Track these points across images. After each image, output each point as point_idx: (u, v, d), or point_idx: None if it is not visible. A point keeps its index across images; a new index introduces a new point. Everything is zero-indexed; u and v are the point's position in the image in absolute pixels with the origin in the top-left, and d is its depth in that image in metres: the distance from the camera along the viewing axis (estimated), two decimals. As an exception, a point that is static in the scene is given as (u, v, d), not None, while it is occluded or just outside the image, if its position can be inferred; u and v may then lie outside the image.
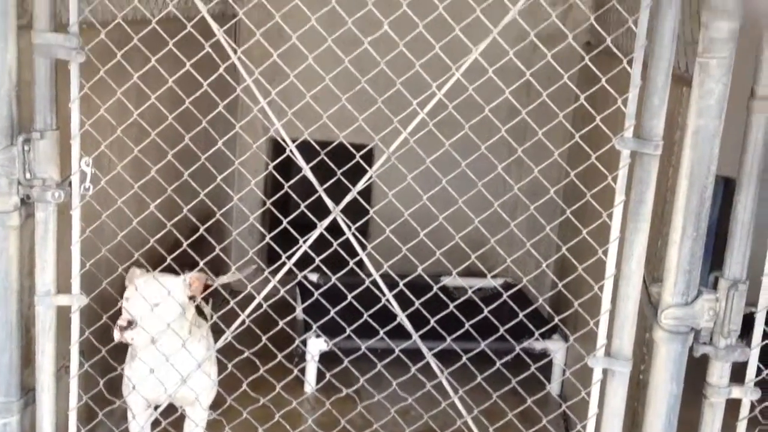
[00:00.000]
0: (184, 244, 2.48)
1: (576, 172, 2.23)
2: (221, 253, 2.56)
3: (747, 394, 2.20)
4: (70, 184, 2.28)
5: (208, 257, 2.49)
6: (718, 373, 2.18)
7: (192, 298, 2.72)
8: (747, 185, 2.09)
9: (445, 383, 2.41)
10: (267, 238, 2.41)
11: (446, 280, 3.30)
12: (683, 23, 2.07)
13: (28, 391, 2.41)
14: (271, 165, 2.45)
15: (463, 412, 2.41)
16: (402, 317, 2.50)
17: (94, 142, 2.35)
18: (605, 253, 2.16)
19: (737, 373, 2.20)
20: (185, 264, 2.60)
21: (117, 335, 2.55)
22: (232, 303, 2.93)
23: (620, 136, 2.03)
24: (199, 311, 2.93)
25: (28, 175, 2.25)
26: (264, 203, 2.59)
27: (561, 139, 2.66)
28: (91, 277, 2.54)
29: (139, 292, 2.58)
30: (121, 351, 2.79)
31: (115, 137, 2.43)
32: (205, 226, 2.45)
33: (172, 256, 2.54)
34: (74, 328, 2.37)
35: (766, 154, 2.07)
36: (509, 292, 2.47)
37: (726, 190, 2.34)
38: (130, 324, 2.51)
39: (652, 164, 2.05)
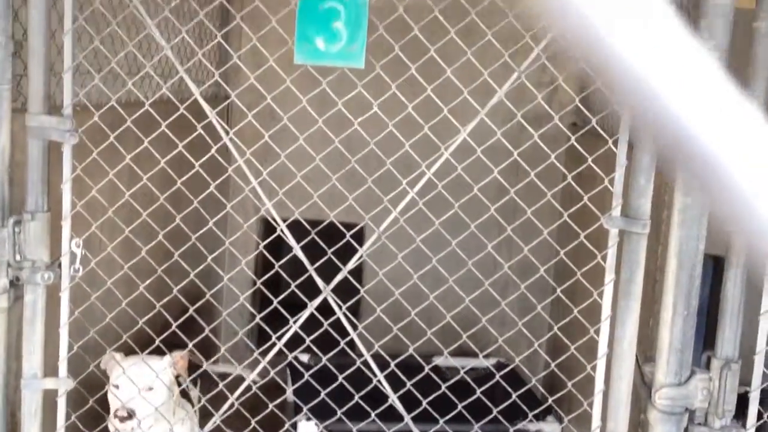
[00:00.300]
0: (173, 326, 2.45)
1: (566, 251, 2.24)
2: (211, 335, 2.53)
3: (745, 475, 2.16)
4: (59, 265, 2.27)
5: (198, 338, 2.47)
6: (714, 453, 2.15)
7: (178, 377, 2.68)
8: (736, 264, 2.10)
9: (438, 468, 2.36)
10: (257, 319, 2.39)
11: (438, 360, 3.27)
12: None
13: (11, 478, 2.35)
14: (262, 245, 2.46)
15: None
16: (393, 399, 2.47)
17: (85, 223, 2.35)
18: (597, 332, 2.15)
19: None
20: (174, 345, 2.57)
21: (117, 425, 2.49)
22: (221, 385, 2.88)
23: (608, 215, 2.05)
24: (184, 392, 2.88)
25: (18, 257, 2.24)
26: (254, 283, 2.58)
27: (550, 217, 2.68)
28: (78, 360, 2.50)
29: (129, 377, 2.54)
30: (106, 435, 2.73)
31: (106, 218, 2.43)
32: (194, 307, 2.44)
33: (161, 337, 2.51)
34: (60, 412, 2.32)
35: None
36: (502, 373, 2.45)
37: (716, 268, 2.35)
38: (130, 414, 2.47)
39: (641, 243, 2.06)
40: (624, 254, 2.07)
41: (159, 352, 2.59)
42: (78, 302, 2.38)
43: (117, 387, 2.54)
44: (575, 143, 2.14)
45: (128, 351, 2.85)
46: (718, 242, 2.15)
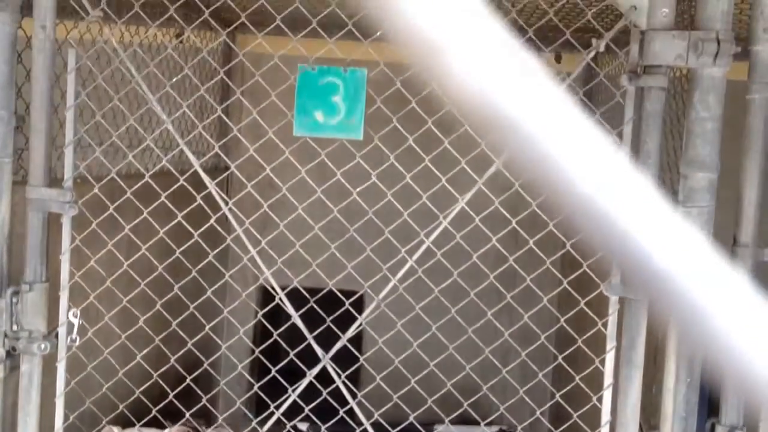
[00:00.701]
0: (170, 395, 2.42)
1: (566, 318, 2.23)
2: (208, 404, 2.50)
3: None
4: (56, 335, 2.25)
5: (196, 407, 2.44)
6: None
7: None
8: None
9: None
10: (255, 387, 2.37)
11: (439, 429, 3.22)
12: (664, 171, 2.13)
13: None
14: (260, 313, 2.44)
15: None
16: (395, 469, 2.43)
17: (83, 293, 2.35)
18: (599, 400, 2.12)
19: None
20: (172, 413, 2.53)
21: None
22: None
23: (608, 283, 2.04)
24: None
25: (15, 327, 2.22)
26: (253, 351, 2.56)
27: (550, 284, 2.67)
28: (74, 430, 2.46)
29: None
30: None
31: (104, 288, 2.43)
32: (192, 376, 2.41)
33: (158, 407, 2.48)
34: (55, 484, 2.28)
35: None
36: (504, 441, 2.41)
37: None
38: None
39: (641, 310, 2.04)
40: (625, 321, 2.06)
41: (156, 421, 2.55)
42: (74, 372, 2.36)
43: None
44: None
45: (125, 421, 2.81)
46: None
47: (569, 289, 2.20)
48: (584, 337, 2.23)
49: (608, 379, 2.10)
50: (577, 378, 2.22)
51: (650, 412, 2.22)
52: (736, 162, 1.93)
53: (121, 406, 2.55)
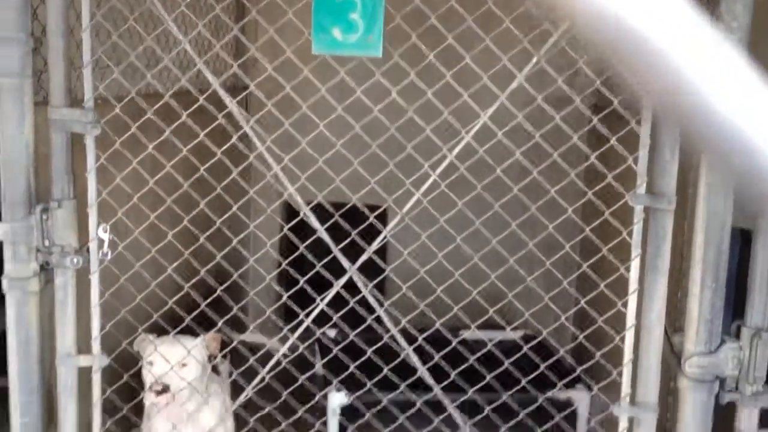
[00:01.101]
0: (202, 305, 2.49)
1: (591, 228, 2.23)
2: (239, 313, 2.56)
3: (777, 440, 2.17)
4: (88, 250, 2.31)
5: (226, 317, 2.50)
6: (747, 419, 2.15)
7: (210, 357, 2.73)
8: (764, 236, 2.07)
9: (468, 434, 2.39)
10: (285, 297, 2.41)
11: (465, 334, 3.28)
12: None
13: (52, 450, 2.43)
14: (286, 228, 2.47)
15: (488, 462, 2.39)
16: (422, 370, 2.49)
17: (111, 210, 2.38)
18: (624, 305, 2.14)
19: (766, 417, 2.17)
20: (204, 324, 2.61)
21: (152, 399, 2.55)
22: (251, 360, 2.93)
23: (633, 193, 2.02)
24: (214, 368, 2.93)
25: (46, 243, 2.28)
26: (280, 264, 2.60)
27: (574, 195, 2.65)
28: (111, 338, 2.55)
29: (163, 355, 2.59)
30: (141, 409, 2.79)
31: (131, 205, 2.46)
32: (223, 287, 2.46)
33: (191, 316, 2.55)
34: (95, 387, 2.38)
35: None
36: (529, 345, 2.46)
37: (744, 241, 2.32)
38: (165, 388, 2.53)
39: (667, 219, 2.04)
40: (650, 230, 2.05)
41: (189, 331, 2.63)
42: (108, 284, 2.42)
43: (151, 363, 2.59)
44: (598, 124, 2.10)
45: (159, 330, 2.90)
46: (746, 216, 2.12)
47: (593, 199, 2.19)
48: (609, 245, 2.23)
49: (633, 285, 2.11)
50: (602, 285, 2.23)
51: (675, 316, 2.24)
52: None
53: (155, 315, 2.63)
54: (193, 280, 2.55)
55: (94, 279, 2.32)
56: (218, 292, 2.45)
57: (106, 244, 2.29)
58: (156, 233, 2.57)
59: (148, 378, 2.60)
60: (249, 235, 3.49)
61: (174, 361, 2.58)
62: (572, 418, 3.89)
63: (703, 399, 2.11)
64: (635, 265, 2.10)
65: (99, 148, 2.22)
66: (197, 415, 2.66)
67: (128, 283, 2.55)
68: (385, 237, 2.28)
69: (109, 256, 2.31)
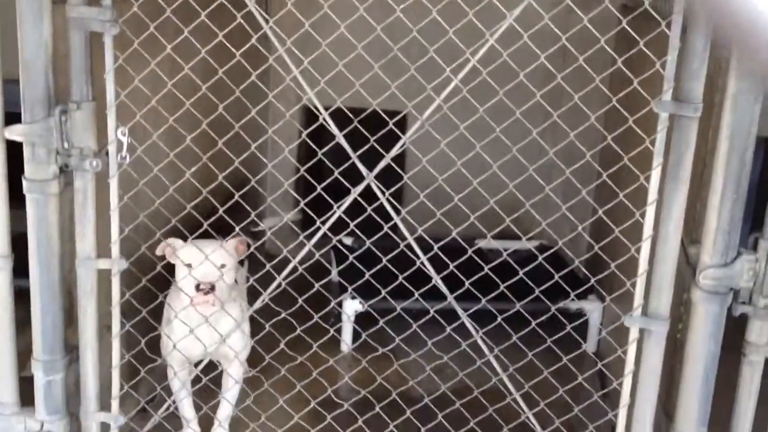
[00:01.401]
0: (220, 210, 2.50)
1: (613, 136, 2.21)
2: (257, 219, 2.58)
3: (787, 353, 2.20)
4: (107, 153, 2.31)
5: (244, 223, 2.52)
6: (758, 331, 2.18)
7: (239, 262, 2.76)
8: (788, 147, 2.06)
9: (480, 342, 2.43)
10: (301, 204, 2.42)
11: (481, 243, 3.30)
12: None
13: (71, 350, 2.49)
14: (305, 133, 2.45)
15: (499, 370, 2.43)
16: (437, 279, 2.52)
17: (129, 113, 2.37)
18: (642, 215, 2.14)
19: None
20: (222, 229, 2.62)
21: (198, 300, 2.58)
22: (268, 266, 2.96)
23: (659, 99, 2.00)
24: None
25: (66, 145, 2.29)
26: (297, 170, 2.59)
27: (597, 102, 2.62)
28: (130, 242, 2.58)
29: (204, 255, 2.60)
30: (161, 314, 2.84)
31: (149, 107, 2.44)
32: (241, 192, 2.47)
33: (210, 221, 2.57)
34: (115, 290, 2.43)
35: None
36: (545, 255, 2.47)
37: (767, 151, 2.30)
38: (213, 287, 2.56)
39: (692, 127, 2.02)
40: (674, 138, 2.03)
41: (208, 236, 2.64)
42: (126, 189, 2.43)
43: (190, 266, 2.60)
44: (626, 26, 2.06)
45: (178, 235, 2.93)
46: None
47: (618, 106, 2.16)
48: (630, 154, 2.22)
49: (653, 195, 2.10)
50: (621, 195, 2.22)
51: (692, 227, 2.24)
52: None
53: (173, 220, 2.65)
54: (211, 186, 2.56)
55: (113, 183, 2.33)
56: (236, 197, 2.46)
57: (124, 148, 2.29)
58: (174, 137, 2.56)
59: (186, 282, 2.61)
60: (267, 141, 3.47)
61: (216, 262, 2.61)
62: (584, 329, 3.95)
63: (716, 311, 2.13)
64: (656, 174, 2.09)
65: (117, 48, 2.20)
66: (218, 319, 2.70)
67: (146, 188, 2.56)
68: (404, 144, 2.27)
69: (127, 160, 2.32)
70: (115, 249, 2.40)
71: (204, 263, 2.59)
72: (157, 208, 2.66)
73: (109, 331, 2.47)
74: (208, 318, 2.66)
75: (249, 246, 2.74)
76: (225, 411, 2.99)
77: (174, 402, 2.68)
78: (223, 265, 2.62)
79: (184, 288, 2.59)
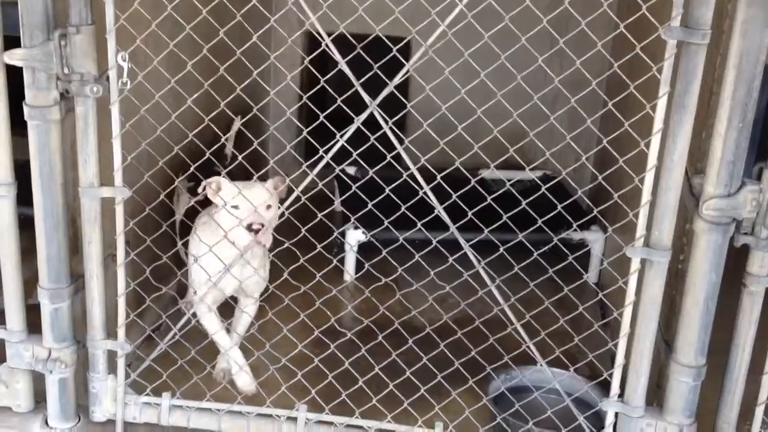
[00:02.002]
0: (223, 138, 2.49)
1: (620, 64, 2.17)
2: (259, 147, 2.56)
3: (788, 283, 2.21)
4: (107, 78, 2.29)
5: (247, 151, 2.51)
6: (759, 262, 2.19)
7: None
8: (797, 75, 2.03)
9: (482, 272, 2.44)
10: (304, 133, 2.41)
11: (484, 173, 3.29)
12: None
13: (77, 278, 2.51)
14: (307, 59, 2.43)
15: (500, 299, 2.45)
16: (439, 209, 2.52)
17: (129, 37, 2.34)
18: (647, 145, 2.13)
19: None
20: (223, 158, 2.62)
21: (249, 238, 2.60)
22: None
23: (667, 26, 1.96)
24: None
25: (66, 70, 2.27)
26: (300, 98, 2.57)
27: (604, 29, 2.58)
28: (133, 170, 2.58)
29: (238, 196, 2.64)
30: (166, 241, 2.86)
31: (150, 32, 2.41)
32: (243, 120, 2.46)
33: (211, 150, 2.56)
34: (119, 219, 2.43)
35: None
36: (548, 185, 2.46)
37: (775, 80, 2.26)
38: (262, 224, 2.59)
39: (699, 54, 1.99)
40: (681, 66, 2.00)
41: (209, 163, 2.64)
42: (128, 116, 2.42)
43: (236, 207, 2.62)
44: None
45: (180, 162, 2.92)
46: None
47: (625, 32, 2.12)
48: (637, 82, 2.19)
49: (658, 124, 2.08)
50: (626, 124, 2.20)
51: (698, 157, 2.23)
52: None
53: (176, 148, 2.64)
54: (213, 113, 2.54)
55: (115, 109, 2.32)
56: (238, 124, 2.44)
57: (125, 73, 2.27)
58: (176, 62, 2.53)
59: (230, 222, 2.63)
60: (270, 68, 3.43)
61: (259, 203, 2.63)
62: (585, 259, 3.97)
63: (718, 241, 2.13)
64: (662, 103, 2.06)
65: (116, -29, 2.15)
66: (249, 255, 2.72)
67: (148, 115, 2.54)
68: (407, 71, 2.24)
69: (128, 86, 2.30)
70: (117, 177, 2.40)
71: (248, 204, 2.62)
72: (159, 136, 2.65)
73: (114, 259, 2.49)
74: (242, 255, 2.67)
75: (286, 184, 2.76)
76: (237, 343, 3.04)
77: (179, 330, 2.71)
78: (269, 206, 2.64)
79: (229, 226, 2.61)
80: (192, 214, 3.03)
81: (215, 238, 2.67)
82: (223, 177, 2.73)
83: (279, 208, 2.72)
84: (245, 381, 2.95)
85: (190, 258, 2.87)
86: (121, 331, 2.53)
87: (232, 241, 2.65)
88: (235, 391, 2.87)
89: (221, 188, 2.72)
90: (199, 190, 2.69)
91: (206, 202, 2.89)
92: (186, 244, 2.98)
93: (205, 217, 2.86)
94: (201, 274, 2.75)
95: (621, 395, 2.34)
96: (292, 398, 2.72)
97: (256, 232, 2.60)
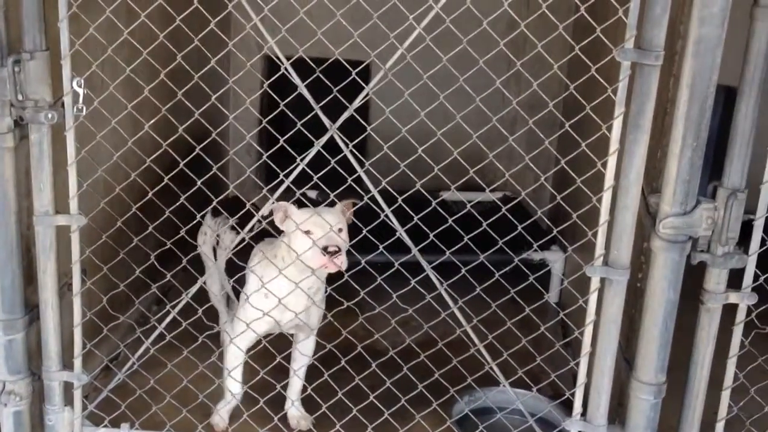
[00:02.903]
0: (181, 164, 2.47)
1: (576, 85, 2.21)
2: (219, 173, 2.54)
3: (744, 300, 2.24)
4: (62, 105, 2.26)
5: (206, 176, 2.49)
6: (715, 279, 2.22)
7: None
8: (748, 94, 2.08)
9: (444, 295, 2.44)
10: (264, 156, 2.40)
11: (445, 195, 3.31)
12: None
13: (32, 308, 2.46)
14: (266, 83, 2.42)
15: (463, 321, 2.46)
16: (401, 232, 2.52)
17: (85, 63, 2.31)
18: (604, 165, 2.16)
19: (733, 279, 2.24)
20: (184, 184, 2.59)
21: (323, 260, 2.55)
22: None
23: (621, 47, 2.00)
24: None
25: (20, 97, 2.23)
26: (260, 122, 2.56)
27: (560, 51, 2.62)
28: (89, 197, 2.54)
29: (311, 222, 2.60)
30: (122, 270, 2.81)
31: (106, 57, 2.38)
32: (202, 145, 2.44)
33: (169, 175, 2.53)
34: (74, 247, 2.39)
35: (768, 63, 2.05)
36: (508, 206, 2.48)
37: (727, 99, 2.32)
38: (339, 248, 2.54)
39: (653, 75, 2.02)
40: (635, 87, 2.04)
41: (168, 189, 2.60)
42: (84, 142, 2.39)
43: (309, 232, 2.59)
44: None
45: (138, 189, 2.88)
46: (731, 73, 2.12)
47: (580, 54, 2.16)
48: (593, 103, 2.22)
49: (614, 144, 2.11)
50: (583, 144, 2.23)
51: (653, 176, 2.26)
52: None
53: (132, 174, 2.61)
54: (172, 138, 2.52)
55: (70, 135, 2.29)
56: (197, 150, 2.42)
57: (80, 99, 2.24)
58: (132, 88, 2.51)
59: (304, 245, 2.59)
60: (229, 92, 3.40)
61: (336, 227, 2.61)
62: (546, 279, 4.00)
63: (675, 259, 2.16)
64: (617, 123, 2.10)
65: (70, -4, 2.13)
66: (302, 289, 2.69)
67: (104, 141, 2.51)
68: (367, 94, 2.25)
69: (84, 112, 2.27)
70: (73, 204, 2.36)
71: (322, 227, 2.59)
72: (116, 163, 2.62)
73: (70, 288, 2.44)
74: (297, 286, 2.63)
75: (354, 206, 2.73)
76: (297, 386, 2.98)
77: (138, 360, 2.65)
78: (340, 229, 2.61)
79: (302, 250, 2.57)
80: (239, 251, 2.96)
81: (276, 271, 2.64)
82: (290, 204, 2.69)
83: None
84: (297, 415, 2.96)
85: (243, 295, 2.79)
86: (77, 362, 2.48)
87: (308, 265, 2.60)
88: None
89: (288, 214, 2.68)
90: (264, 212, 2.65)
91: (254, 238, 2.88)
92: (239, 281, 2.90)
93: (261, 252, 2.80)
94: (257, 307, 2.68)
95: (584, 414, 2.35)
96: (255, 426, 2.68)
97: (332, 254, 2.56)
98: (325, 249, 2.55)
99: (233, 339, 2.76)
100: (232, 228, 2.98)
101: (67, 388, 2.52)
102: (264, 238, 2.89)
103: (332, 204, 2.68)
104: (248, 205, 2.75)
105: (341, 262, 2.56)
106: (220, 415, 2.93)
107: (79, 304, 2.44)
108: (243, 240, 2.88)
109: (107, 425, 2.56)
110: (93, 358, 2.90)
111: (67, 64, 2.21)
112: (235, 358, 2.81)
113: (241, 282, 2.84)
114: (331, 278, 2.76)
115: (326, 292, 2.84)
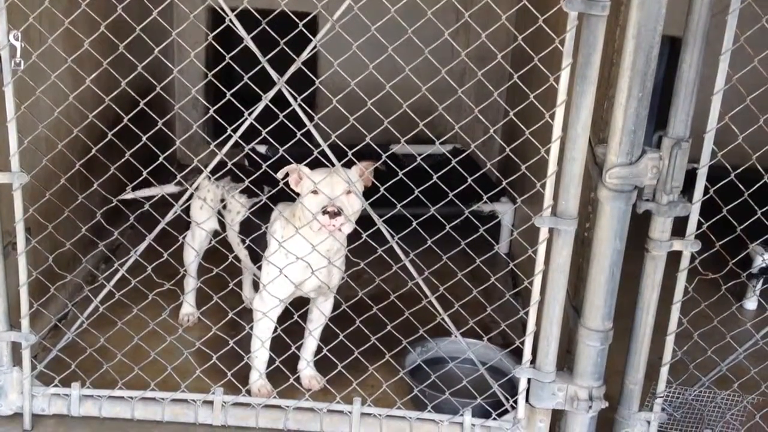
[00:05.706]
0: (125, 119, 2.41)
1: (524, 36, 2.20)
2: (164, 128, 2.49)
3: (688, 247, 2.29)
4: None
5: (151, 132, 2.44)
6: (660, 228, 2.26)
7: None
8: (693, 44, 2.10)
9: (396, 248, 2.45)
10: (211, 111, 2.36)
11: (395, 148, 3.30)
12: None
13: (-23, 270, 2.40)
14: (211, 36, 2.36)
15: (414, 274, 2.47)
16: (352, 185, 2.51)
17: (22, 15, 2.23)
18: (552, 116, 2.17)
19: (677, 228, 2.28)
20: (128, 139, 2.54)
21: (324, 221, 2.48)
22: (179, 177, 2.90)
23: (569, -2, 2.00)
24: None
25: (-50, 52, 2.15)
26: (206, 76, 2.50)
27: (509, 2, 2.61)
28: (31, 155, 2.47)
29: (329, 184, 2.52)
30: (68, 228, 2.76)
31: (44, 9, 2.30)
32: (146, 100, 2.38)
33: (113, 131, 2.48)
34: (17, 205, 2.34)
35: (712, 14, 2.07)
36: (458, 158, 2.48)
37: (672, 49, 2.34)
38: (339, 211, 2.47)
39: (600, 26, 2.03)
40: (582, 37, 2.05)
41: (113, 145, 2.55)
42: (23, 98, 2.31)
43: (315, 193, 2.52)
44: None
45: (81, 146, 2.81)
46: (676, 23, 2.13)
47: (528, 5, 2.15)
48: (540, 55, 2.22)
49: (562, 96, 2.13)
50: (531, 96, 2.24)
51: (599, 127, 2.28)
52: None
53: (75, 131, 2.54)
54: (114, 92, 2.46)
55: (8, 91, 2.22)
56: (141, 105, 2.37)
57: (18, 53, 2.17)
58: (72, 42, 2.43)
59: (310, 206, 2.51)
60: (172, 46, 3.32)
61: (340, 191, 2.52)
62: (496, 230, 4.04)
63: (621, 208, 2.19)
64: (565, 75, 2.11)
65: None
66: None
67: (45, 96, 2.44)
68: (315, 47, 2.21)
69: (22, 66, 2.20)
70: (14, 162, 2.30)
71: (331, 188, 2.52)
72: (57, 118, 2.55)
73: (15, 248, 2.39)
74: (315, 249, 2.57)
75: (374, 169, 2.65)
76: (312, 346, 2.93)
77: (87, 318, 2.62)
78: (349, 192, 2.53)
79: (310, 214, 2.51)
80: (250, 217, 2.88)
81: (296, 236, 2.58)
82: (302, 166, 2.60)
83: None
84: (311, 375, 2.92)
85: (265, 259, 2.72)
86: (24, 322, 2.44)
87: (314, 228, 2.53)
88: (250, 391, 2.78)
89: (301, 177, 2.60)
90: (280, 174, 2.57)
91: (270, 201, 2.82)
92: (256, 241, 2.81)
93: (280, 213, 2.72)
94: (283, 273, 2.62)
95: (533, 362, 2.40)
96: (208, 382, 2.68)
97: (331, 215, 2.49)
98: (323, 209, 2.50)
99: (265, 313, 2.70)
100: (243, 191, 2.92)
101: (15, 348, 2.49)
102: (278, 202, 2.83)
103: (350, 164, 2.60)
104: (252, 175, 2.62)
105: (340, 224, 2.51)
106: (262, 380, 2.86)
107: (24, 264, 2.39)
108: (256, 203, 2.83)
109: (57, 384, 2.54)
110: (41, 317, 2.86)
111: (2, 17, 2.13)
112: (267, 329, 2.76)
113: (259, 242, 2.79)
114: (350, 239, 2.72)
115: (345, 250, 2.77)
